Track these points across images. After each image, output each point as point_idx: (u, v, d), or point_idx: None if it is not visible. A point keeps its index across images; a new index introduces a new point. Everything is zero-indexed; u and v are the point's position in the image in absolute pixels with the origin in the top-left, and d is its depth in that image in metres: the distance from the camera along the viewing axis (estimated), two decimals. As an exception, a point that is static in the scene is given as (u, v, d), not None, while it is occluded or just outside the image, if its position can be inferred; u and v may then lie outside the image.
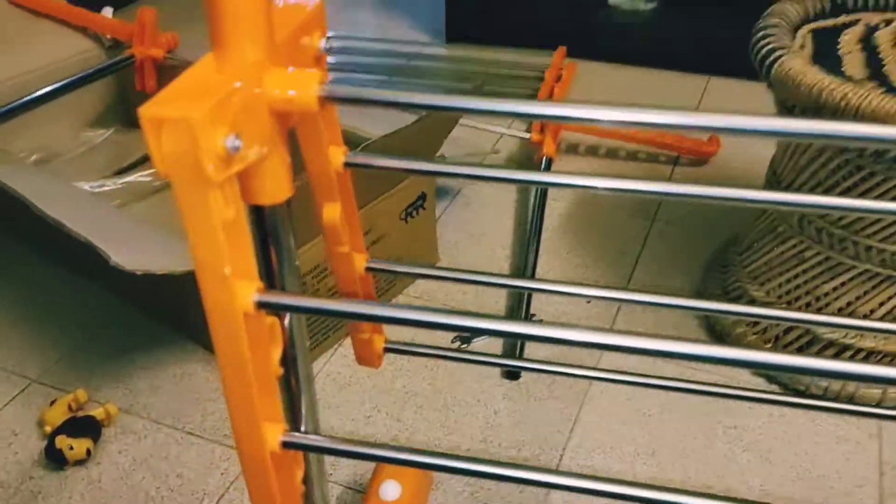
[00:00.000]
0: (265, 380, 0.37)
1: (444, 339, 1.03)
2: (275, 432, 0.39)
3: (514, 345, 0.99)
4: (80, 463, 0.88)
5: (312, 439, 0.40)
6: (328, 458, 0.88)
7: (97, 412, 0.92)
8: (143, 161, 1.34)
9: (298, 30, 0.38)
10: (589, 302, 1.08)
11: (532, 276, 1.11)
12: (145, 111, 0.29)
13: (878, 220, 0.83)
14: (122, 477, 0.87)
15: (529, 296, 1.07)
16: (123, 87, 1.39)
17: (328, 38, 0.40)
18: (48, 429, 0.91)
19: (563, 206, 1.28)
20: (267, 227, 0.38)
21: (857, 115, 0.75)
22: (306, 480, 0.46)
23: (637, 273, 1.14)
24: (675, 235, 1.21)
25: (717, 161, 1.38)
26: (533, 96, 1.48)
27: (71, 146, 1.36)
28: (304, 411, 0.43)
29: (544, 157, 1.30)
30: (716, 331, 1.03)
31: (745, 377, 0.98)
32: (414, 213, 1.06)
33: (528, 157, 1.39)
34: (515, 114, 0.35)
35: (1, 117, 1.01)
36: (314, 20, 0.39)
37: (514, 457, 0.88)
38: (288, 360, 0.41)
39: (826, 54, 0.89)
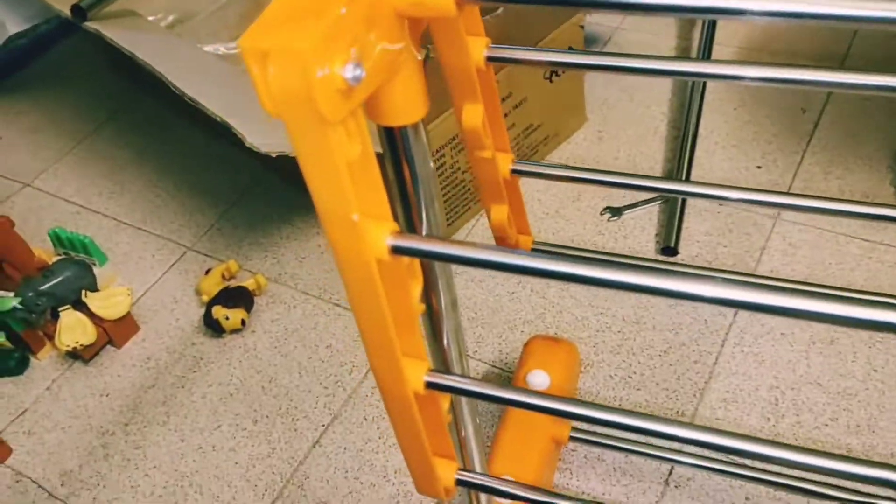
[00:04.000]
0: (405, 320, 0.33)
1: (592, 231, 0.96)
2: (418, 372, 0.35)
3: (671, 223, 0.90)
4: (235, 332, 0.92)
5: (458, 381, 0.36)
6: (472, 329, 0.86)
7: (248, 283, 0.94)
8: (276, 16, 1.29)
9: None
10: (760, 168, 0.96)
11: (695, 134, 1.00)
12: (245, 41, 0.23)
13: None
14: (276, 345, 0.90)
15: (690, 159, 0.97)
16: (252, -64, 1.32)
17: None
18: (205, 298, 0.94)
19: (732, 52, 1.12)
20: (401, 152, 0.32)
21: None
22: (455, 414, 0.43)
23: (820, 131, 1.00)
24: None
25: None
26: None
27: (203, 4, 1.33)
28: (448, 348, 0.39)
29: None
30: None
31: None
32: (559, 71, 0.96)
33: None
34: None
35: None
36: None
37: (671, 340, 0.82)
38: (430, 296, 0.36)
39: None
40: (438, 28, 0.34)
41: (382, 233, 0.29)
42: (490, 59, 0.37)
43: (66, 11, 0.93)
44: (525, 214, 0.50)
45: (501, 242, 0.49)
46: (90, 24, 0.91)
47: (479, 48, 0.36)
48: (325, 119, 0.24)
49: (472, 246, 0.30)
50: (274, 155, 0.72)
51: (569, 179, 0.46)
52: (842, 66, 1.07)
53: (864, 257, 0.86)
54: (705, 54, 1.06)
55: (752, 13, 0.27)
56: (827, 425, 0.74)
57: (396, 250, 0.30)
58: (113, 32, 0.90)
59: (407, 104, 0.30)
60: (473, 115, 0.39)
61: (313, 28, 0.23)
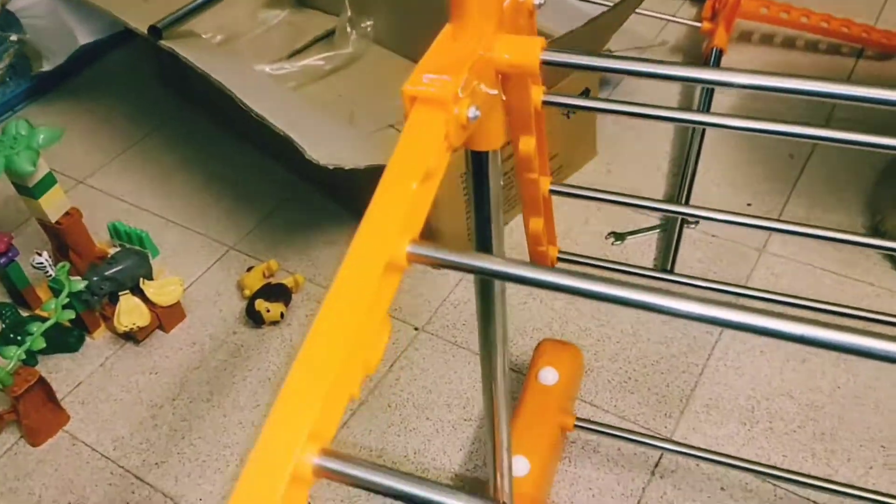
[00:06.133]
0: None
1: (603, 248, 1.07)
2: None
3: (668, 249, 1.01)
4: (274, 323, 1.02)
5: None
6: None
7: (287, 280, 1.04)
8: (314, 42, 1.40)
9: (519, -10, 0.41)
10: (750, 205, 1.08)
11: (693, 171, 1.11)
12: (406, 90, 0.34)
13: None
14: (309, 338, 1.00)
15: (689, 194, 1.08)
16: (296, -31, 1.44)
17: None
18: (247, 292, 1.04)
19: (731, 101, 1.25)
20: (486, 170, 0.43)
21: None
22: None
23: (804, 179, 1.12)
24: (848, 138, 1.16)
25: (906, 55, 1.29)
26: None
27: (249, 26, 1.44)
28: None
29: (714, 49, 1.26)
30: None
31: None
32: (576, 109, 1.08)
33: (697, 47, 1.35)
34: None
35: (196, 10, 1.09)
36: (532, -23, 0.42)
37: (662, 352, 0.93)
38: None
39: None
40: (513, 79, 0.45)
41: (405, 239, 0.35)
42: (545, 103, 0.48)
43: (143, 30, 1.04)
44: (554, 228, 0.61)
45: (535, 247, 0.60)
46: (164, 43, 1.02)
47: (538, 94, 0.47)
48: (450, 146, 0.35)
49: (500, 260, 0.38)
50: (331, 167, 0.83)
51: (594, 199, 0.57)
52: (829, 117, 1.20)
53: (836, 288, 0.98)
54: (705, 106, 1.18)
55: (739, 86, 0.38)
56: (795, 432, 0.85)
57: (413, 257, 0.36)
58: (185, 52, 1.01)
59: (494, 134, 0.41)
60: (527, 144, 0.50)
61: (452, 83, 0.34)
